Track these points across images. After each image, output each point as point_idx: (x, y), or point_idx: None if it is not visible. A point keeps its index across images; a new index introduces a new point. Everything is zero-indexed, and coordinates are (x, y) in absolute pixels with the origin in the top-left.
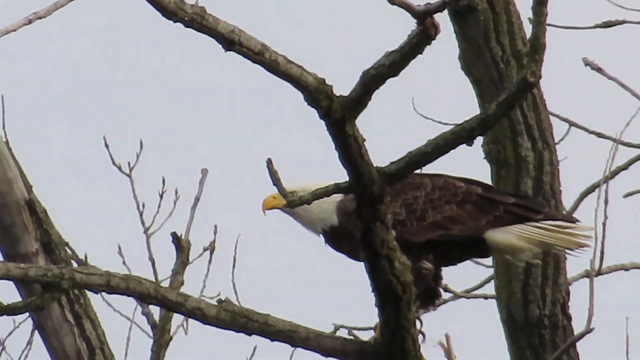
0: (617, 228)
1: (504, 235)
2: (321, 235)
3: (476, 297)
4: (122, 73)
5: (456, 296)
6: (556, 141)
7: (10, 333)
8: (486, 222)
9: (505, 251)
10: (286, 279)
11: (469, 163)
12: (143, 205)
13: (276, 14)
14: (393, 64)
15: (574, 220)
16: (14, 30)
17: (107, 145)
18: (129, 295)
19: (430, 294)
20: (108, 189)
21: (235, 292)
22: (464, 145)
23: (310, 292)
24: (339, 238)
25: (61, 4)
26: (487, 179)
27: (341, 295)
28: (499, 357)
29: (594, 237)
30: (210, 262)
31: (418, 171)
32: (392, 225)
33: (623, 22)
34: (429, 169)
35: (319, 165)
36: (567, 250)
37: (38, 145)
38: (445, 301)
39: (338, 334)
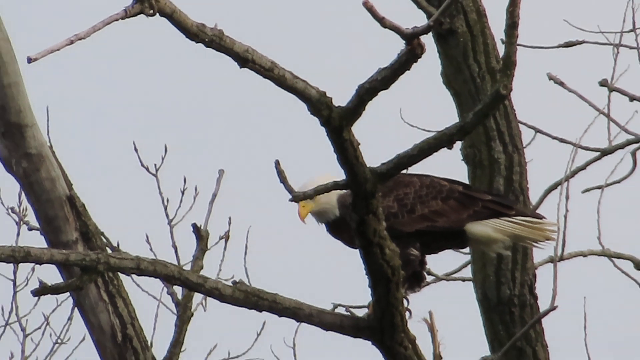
0: (576, 220)
1: (481, 228)
2: (324, 225)
3: (455, 279)
4: (150, 88)
5: (438, 279)
6: (524, 145)
7: (53, 310)
8: (467, 216)
9: (481, 242)
10: (292, 264)
11: (449, 164)
12: (167, 201)
13: (288, 35)
14: (384, 79)
15: (541, 217)
16: (58, 50)
17: (136, 150)
18: (155, 277)
19: (416, 277)
20: (137, 186)
21: (247, 275)
22: (445, 149)
23: (312, 275)
24: (339, 228)
25: (98, 27)
26: (465, 179)
27: (339, 278)
28: (475, 332)
29: (557, 231)
30: (225, 249)
31: (405, 171)
32: (385, 217)
33: (582, 42)
34: (415, 169)
35: (320, 166)
36: (534, 243)
37: (78, 150)
38: (429, 283)
39: (337, 311)
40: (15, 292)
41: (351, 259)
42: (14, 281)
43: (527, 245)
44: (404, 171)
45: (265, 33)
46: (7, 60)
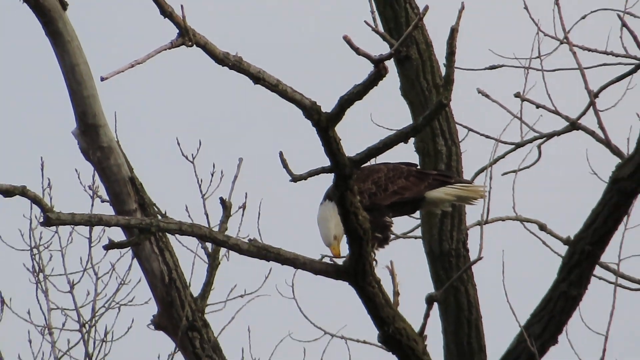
0: (496, 194)
1: (436, 194)
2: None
3: (409, 237)
4: (188, 98)
5: (397, 237)
6: (460, 140)
7: (118, 259)
8: (423, 187)
9: (436, 204)
10: (291, 226)
11: (405, 154)
12: (201, 180)
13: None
14: (359, 92)
15: (471, 182)
16: (122, 71)
17: (178, 143)
18: (192, 236)
19: (384, 237)
20: (179, 170)
21: (260, 234)
22: (402, 143)
23: (306, 235)
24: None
25: (151, 55)
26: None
27: None
28: (423, 276)
29: (485, 190)
30: (243, 215)
31: (373, 160)
32: (368, 196)
33: (502, 65)
34: (380, 158)
35: (311, 155)
36: (472, 201)
37: (137, 143)
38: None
39: (323, 260)
40: (90, 247)
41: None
42: (90, 239)
43: (466, 203)
44: (372, 160)
45: (268, 55)
46: (86, 78)
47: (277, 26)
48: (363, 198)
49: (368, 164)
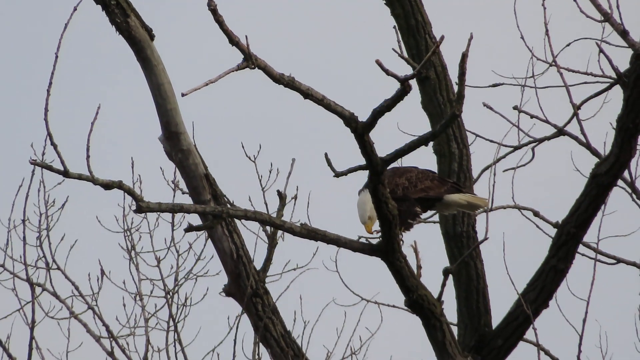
0: (500, 187)
1: (452, 197)
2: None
3: (429, 222)
4: (251, 110)
5: (419, 222)
6: (469, 144)
7: (195, 239)
8: (444, 190)
9: (449, 205)
10: (334, 213)
11: (425, 155)
12: (261, 176)
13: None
14: (388, 105)
15: (475, 194)
16: (199, 88)
17: (243, 147)
18: (255, 221)
19: (410, 223)
20: (244, 168)
21: (309, 219)
22: (423, 146)
23: (345, 220)
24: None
25: (222, 75)
26: (434, 164)
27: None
28: (440, 253)
29: (488, 201)
30: (295, 204)
31: (400, 161)
32: (402, 189)
33: (502, 83)
34: (406, 158)
35: (351, 156)
36: (476, 209)
37: (211, 147)
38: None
39: (360, 240)
40: (172, 230)
41: None
42: (172, 223)
43: (471, 211)
44: (399, 160)
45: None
46: (170, 95)
47: (319, 52)
48: (398, 190)
49: (398, 164)
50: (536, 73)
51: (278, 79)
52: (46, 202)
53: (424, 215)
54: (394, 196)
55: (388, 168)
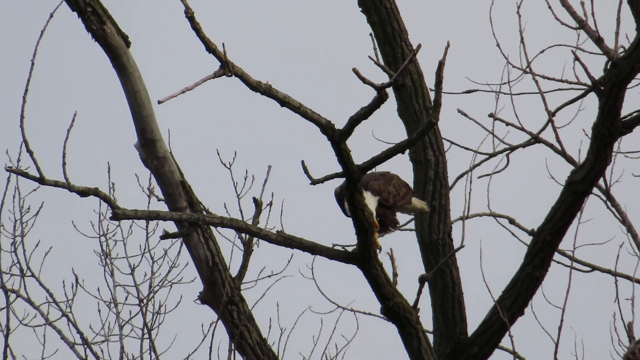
0: (475, 195)
1: (414, 202)
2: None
3: (405, 230)
4: (225, 119)
5: (395, 230)
6: (445, 151)
7: (169, 247)
8: (411, 195)
9: (407, 210)
10: (310, 220)
11: (402, 162)
12: (236, 183)
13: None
14: (365, 113)
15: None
16: (175, 96)
17: (218, 153)
18: (231, 228)
19: (386, 230)
20: (219, 174)
21: (282, 226)
22: (400, 154)
23: (322, 227)
24: (342, 199)
25: (198, 83)
26: (411, 171)
27: (338, 229)
28: (416, 261)
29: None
30: (270, 211)
31: (377, 168)
32: (392, 198)
33: (477, 90)
34: (383, 165)
35: (327, 164)
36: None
37: (186, 154)
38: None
39: (336, 247)
40: (147, 237)
41: (345, 220)
42: (147, 230)
43: (412, 214)
44: (376, 168)
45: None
46: (146, 102)
47: (296, 59)
48: (390, 198)
49: (373, 170)
50: (511, 79)
51: (255, 86)
52: (21, 208)
53: (402, 220)
54: (386, 204)
55: (372, 172)
